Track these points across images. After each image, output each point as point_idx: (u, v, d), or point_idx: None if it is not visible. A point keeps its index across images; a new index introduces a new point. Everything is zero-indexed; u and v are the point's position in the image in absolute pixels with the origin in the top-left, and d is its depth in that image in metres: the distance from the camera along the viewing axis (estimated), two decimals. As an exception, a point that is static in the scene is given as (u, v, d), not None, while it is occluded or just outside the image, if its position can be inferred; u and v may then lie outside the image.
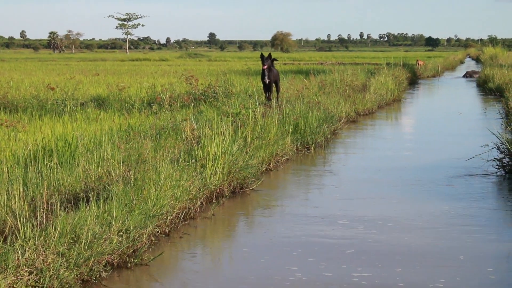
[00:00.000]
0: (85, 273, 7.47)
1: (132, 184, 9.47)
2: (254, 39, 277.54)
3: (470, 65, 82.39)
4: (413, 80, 42.97)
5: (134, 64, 64.52)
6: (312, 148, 16.75)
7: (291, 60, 79.26)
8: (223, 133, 12.50)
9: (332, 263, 8.43)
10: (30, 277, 6.83)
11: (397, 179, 13.43)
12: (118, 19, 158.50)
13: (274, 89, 19.47)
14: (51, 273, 6.98)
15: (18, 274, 6.77)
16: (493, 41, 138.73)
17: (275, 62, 19.67)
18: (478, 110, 27.26)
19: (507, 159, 13.70)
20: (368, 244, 9.19)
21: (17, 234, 7.35)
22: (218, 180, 11.40)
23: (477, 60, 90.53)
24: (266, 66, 18.60)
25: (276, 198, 12.20)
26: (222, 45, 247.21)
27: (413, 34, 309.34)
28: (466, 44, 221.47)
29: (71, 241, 7.55)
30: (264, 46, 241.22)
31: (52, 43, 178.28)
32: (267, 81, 18.85)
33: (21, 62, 72.16)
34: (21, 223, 7.44)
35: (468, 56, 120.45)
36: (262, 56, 19.03)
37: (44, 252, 7.17)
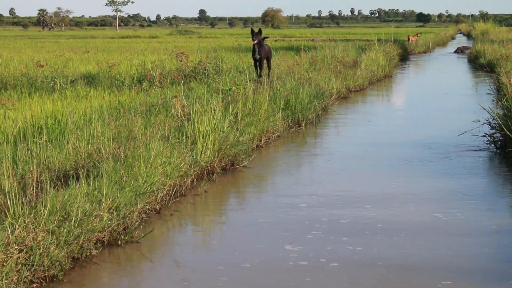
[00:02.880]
0: (76, 251, 7.45)
1: (122, 161, 9.43)
2: (244, 16, 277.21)
3: (461, 40, 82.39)
4: (404, 56, 42.88)
5: (124, 41, 64.27)
6: (303, 125, 16.72)
7: (282, 36, 79.09)
8: (214, 110, 12.45)
9: (323, 239, 8.42)
10: (20, 255, 6.79)
11: (388, 155, 13.43)
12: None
13: (265, 65, 19.37)
14: (41, 251, 6.95)
15: (8, 252, 6.73)
16: (484, 16, 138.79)
17: (266, 39, 19.53)
18: (469, 85, 27.25)
19: (498, 135, 13.69)
20: (360, 219, 9.19)
21: (6, 212, 7.31)
22: (208, 157, 11.37)
23: (468, 35, 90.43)
24: (255, 41, 18.43)
25: (267, 174, 12.18)
26: (213, 22, 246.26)
27: (404, 10, 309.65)
28: (457, 19, 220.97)
29: (61, 218, 7.51)
30: (255, 22, 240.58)
31: (41, 21, 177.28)
32: (258, 57, 18.70)
33: (10, 39, 71.78)
34: (10, 201, 7.40)
35: (459, 32, 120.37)
36: (252, 31, 18.80)
37: (34, 229, 7.13)
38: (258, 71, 18.89)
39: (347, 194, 10.47)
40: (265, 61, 19.13)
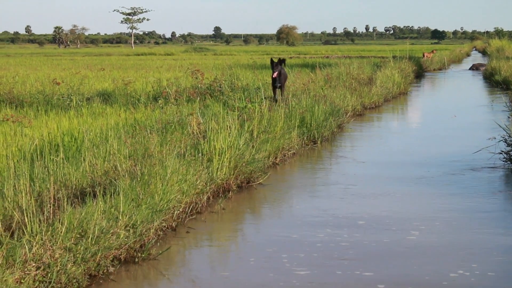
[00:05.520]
0: (93, 268, 7.48)
1: (139, 179, 9.46)
2: (259, 33, 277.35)
3: (476, 57, 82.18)
4: (420, 73, 42.84)
5: (140, 59, 64.50)
6: (319, 142, 16.71)
7: (297, 53, 79.17)
8: (229, 127, 12.48)
9: (339, 260, 8.41)
10: (37, 272, 6.83)
11: (403, 173, 13.40)
12: (123, 13, 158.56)
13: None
14: (58, 268, 6.98)
15: (26, 269, 6.77)
16: (499, 33, 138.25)
17: (284, 62, 19.42)
18: (484, 102, 27.17)
19: (514, 152, 13.65)
20: (376, 239, 9.17)
21: (24, 229, 7.35)
22: (224, 174, 11.39)
23: (484, 52, 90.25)
24: (275, 75, 18.44)
25: (283, 192, 12.17)
26: (228, 39, 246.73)
27: (419, 27, 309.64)
28: (472, 36, 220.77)
29: (78, 236, 7.55)
30: (270, 39, 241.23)
31: (57, 38, 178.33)
32: (278, 85, 18.64)
33: (27, 57, 72.20)
34: (28, 218, 7.44)
35: (474, 49, 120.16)
36: (272, 62, 18.74)
37: (51, 247, 7.16)
38: (275, 94, 18.73)
39: (363, 212, 10.46)
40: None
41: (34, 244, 7.08)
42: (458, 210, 10.55)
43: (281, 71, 18.63)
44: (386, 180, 12.76)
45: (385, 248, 8.74)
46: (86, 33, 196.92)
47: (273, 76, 18.48)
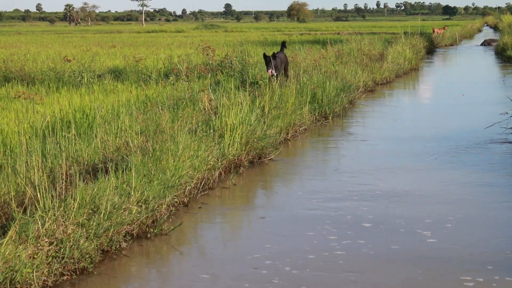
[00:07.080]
0: (105, 243, 7.50)
1: (151, 155, 9.47)
2: (270, 10, 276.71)
3: (488, 33, 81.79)
4: (431, 49, 42.65)
5: (150, 36, 64.40)
6: (330, 118, 16.69)
7: (308, 30, 78.91)
8: (241, 103, 12.46)
9: (349, 235, 8.41)
10: (50, 247, 6.85)
11: (415, 148, 13.36)
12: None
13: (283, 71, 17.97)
14: (71, 244, 7.00)
15: (39, 245, 6.80)
16: (511, 8, 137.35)
17: (284, 46, 19.00)
18: (496, 78, 27.04)
19: (526, 127, 13.61)
20: (387, 215, 9.17)
21: (36, 205, 7.36)
22: (236, 150, 11.39)
23: (495, 28, 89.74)
24: (270, 72, 16.69)
25: (294, 168, 12.17)
26: (238, 16, 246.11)
27: (430, 3, 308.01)
28: (483, 12, 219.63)
29: (91, 211, 7.56)
30: (280, 16, 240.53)
31: (68, 16, 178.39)
32: (276, 79, 17.29)
33: (38, 35, 72.23)
34: (40, 194, 7.45)
35: (485, 24, 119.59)
36: (265, 57, 17.07)
37: (64, 222, 7.18)
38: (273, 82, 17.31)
39: (375, 188, 10.46)
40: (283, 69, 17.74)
41: (47, 219, 7.09)
42: (471, 185, 10.53)
43: (277, 63, 17.04)
44: (397, 156, 12.73)
45: (402, 226, 8.75)
46: (97, 11, 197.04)
47: (268, 74, 16.80)
